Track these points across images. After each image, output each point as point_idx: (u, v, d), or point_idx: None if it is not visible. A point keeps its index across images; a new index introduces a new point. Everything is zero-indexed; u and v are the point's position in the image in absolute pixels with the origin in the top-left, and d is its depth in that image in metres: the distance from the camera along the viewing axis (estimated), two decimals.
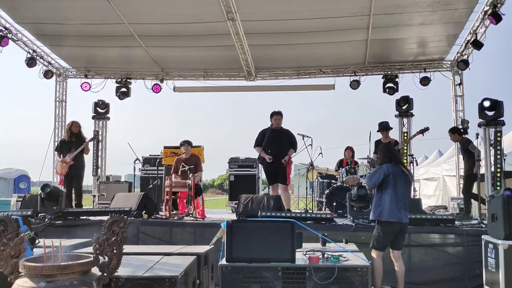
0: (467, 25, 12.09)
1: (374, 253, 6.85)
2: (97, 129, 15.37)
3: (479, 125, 11.32)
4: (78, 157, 11.33)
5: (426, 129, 11.26)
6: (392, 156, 7.05)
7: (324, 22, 11.66)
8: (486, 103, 11.07)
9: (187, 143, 11.18)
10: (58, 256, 3.77)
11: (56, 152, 11.60)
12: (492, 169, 11.17)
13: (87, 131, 12.26)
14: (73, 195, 11.51)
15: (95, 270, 3.73)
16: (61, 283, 3.45)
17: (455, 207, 11.24)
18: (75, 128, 11.52)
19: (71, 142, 11.40)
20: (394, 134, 12.60)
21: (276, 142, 10.49)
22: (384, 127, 11.52)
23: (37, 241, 5.27)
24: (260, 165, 11.94)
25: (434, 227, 8.60)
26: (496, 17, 10.68)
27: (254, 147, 10.71)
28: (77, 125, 11.65)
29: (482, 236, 6.89)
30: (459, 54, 13.72)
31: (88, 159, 12.26)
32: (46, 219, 9.20)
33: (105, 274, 3.73)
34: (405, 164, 7.44)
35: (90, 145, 12.06)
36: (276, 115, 10.65)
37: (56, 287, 3.42)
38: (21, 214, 8.64)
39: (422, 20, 11.63)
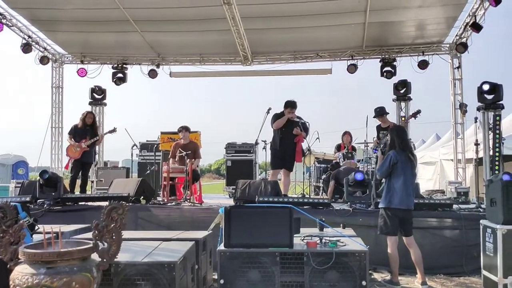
0: (466, 7, 12.07)
1: (388, 240, 6.95)
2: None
3: (478, 109, 11.32)
4: (91, 145, 11.48)
5: (418, 112, 11.21)
6: (399, 142, 7.03)
7: (321, 5, 11.60)
8: (485, 87, 11.07)
9: (185, 129, 11.16)
10: (57, 243, 3.77)
11: (68, 135, 11.60)
12: (491, 153, 11.18)
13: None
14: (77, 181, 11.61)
15: (95, 256, 3.74)
16: (61, 269, 3.46)
17: (453, 191, 11.24)
18: (89, 119, 11.63)
19: (85, 130, 11.46)
20: (392, 118, 12.57)
21: (289, 129, 10.42)
22: (378, 112, 11.39)
23: (36, 227, 5.26)
24: (262, 149, 11.81)
25: (432, 211, 8.62)
26: None
27: (273, 126, 10.49)
28: (91, 116, 11.80)
29: (481, 221, 6.86)
30: (458, 37, 13.67)
31: None
32: (45, 205, 9.18)
33: (104, 260, 3.75)
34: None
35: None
36: (291, 108, 10.40)
37: (56, 273, 3.44)
38: (20, 200, 8.62)
39: (420, 3, 11.57)
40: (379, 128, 11.41)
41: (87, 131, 11.46)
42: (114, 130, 12.10)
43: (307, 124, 10.54)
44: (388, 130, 7.80)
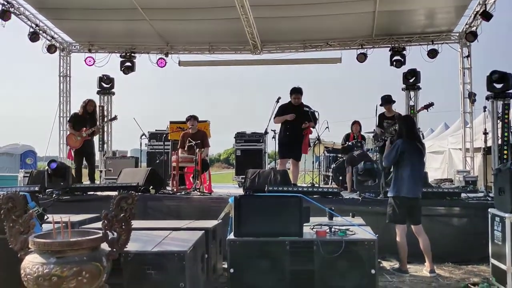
0: None
1: (396, 229, 7.04)
2: (102, 104, 15.34)
3: (487, 98, 11.28)
4: (91, 134, 11.46)
5: (431, 104, 11.15)
6: (407, 131, 7.05)
7: None
8: (495, 76, 11.00)
9: (193, 118, 11.10)
10: (67, 232, 3.78)
11: (68, 124, 11.56)
12: (499, 142, 11.15)
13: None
14: (83, 171, 11.59)
15: (105, 246, 3.75)
16: (71, 259, 3.47)
17: (461, 180, 11.23)
18: (90, 107, 11.59)
19: (85, 119, 11.41)
20: (401, 108, 12.51)
21: (295, 120, 10.38)
22: (386, 100, 11.33)
23: (45, 217, 5.27)
24: (271, 138, 11.82)
25: (440, 200, 8.60)
26: None
27: (273, 120, 10.50)
28: (92, 104, 11.73)
29: (489, 209, 6.84)
30: (467, 26, 13.55)
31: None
32: (54, 195, 9.20)
33: (114, 249, 3.75)
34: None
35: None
36: (296, 94, 10.40)
37: (66, 263, 3.45)
38: (29, 190, 8.61)
39: None
40: (382, 117, 11.30)
41: (87, 119, 11.40)
42: (115, 118, 12.09)
43: (316, 113, 10.50)
44: (397, 119, 7.79)
